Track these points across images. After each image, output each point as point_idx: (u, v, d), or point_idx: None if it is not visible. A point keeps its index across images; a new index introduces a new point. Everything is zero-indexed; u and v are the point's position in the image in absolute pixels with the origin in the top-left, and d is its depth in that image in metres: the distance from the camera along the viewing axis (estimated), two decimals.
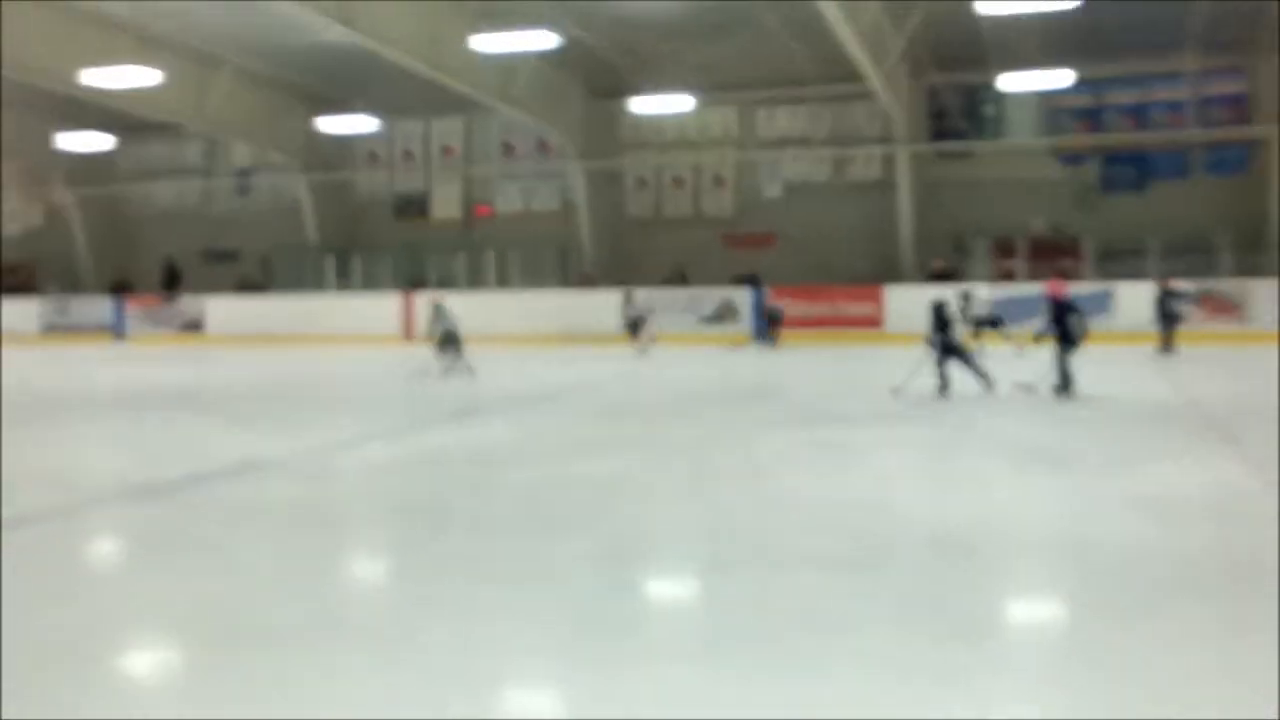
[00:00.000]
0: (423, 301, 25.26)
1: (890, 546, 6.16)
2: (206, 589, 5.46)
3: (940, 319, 13.11)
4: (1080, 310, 12.94)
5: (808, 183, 27.49)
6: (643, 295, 22.96)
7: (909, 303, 23.00)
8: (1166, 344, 18.71)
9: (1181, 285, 20.05)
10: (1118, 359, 16.75)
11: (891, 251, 25.67)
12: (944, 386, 12.95)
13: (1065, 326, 12.66)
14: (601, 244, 28.35)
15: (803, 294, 24.20)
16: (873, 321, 23.71)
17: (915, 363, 13.40)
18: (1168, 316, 18.77)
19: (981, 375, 13.10)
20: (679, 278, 26.30)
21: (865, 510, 7.11)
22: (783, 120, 27.60)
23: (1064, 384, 12.71)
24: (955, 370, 13.11)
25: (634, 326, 22.20)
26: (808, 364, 15.11)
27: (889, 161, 26.18)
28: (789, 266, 25.95)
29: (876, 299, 23.87)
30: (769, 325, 22.69)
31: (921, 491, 7.85)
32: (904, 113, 24.94)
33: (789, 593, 5.29)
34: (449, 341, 17.06)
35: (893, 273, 25.20)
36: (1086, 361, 13.07)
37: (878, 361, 17.98)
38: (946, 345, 13.08)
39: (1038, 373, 13.07)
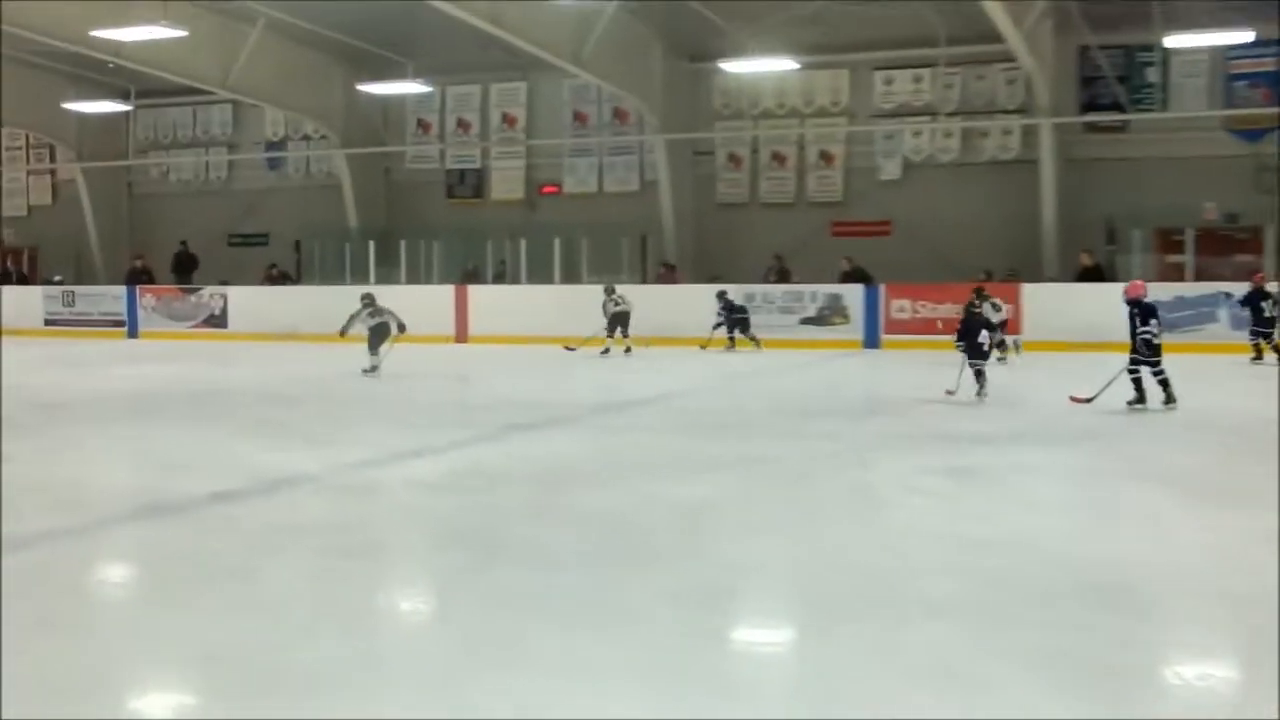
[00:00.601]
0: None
1: (1033, 594, 6.03)
2: (230, 624, 5.50)
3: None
4: (1159, 316, 13.62)
5: (932, 161, 27.22)
6: (619, 291, 23.46)
7: (1051, 305, 22.74)
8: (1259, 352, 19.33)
9: (1272, 285, 20.08)
10: (1207, 370, 16.65)
11: (1031, 244, 25.32)
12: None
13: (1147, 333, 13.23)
14: (686, 230, 28.32)
15: (924, 293, 23.95)
16: (1010, 326, 23.36)
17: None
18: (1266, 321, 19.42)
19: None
20: (780, 272, 26.17)
21: (1002, 550, 6.97)
22: (903, 87, 27.37)
23: (1139, 398, 13.24)
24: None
25: (616, 323, 22.79)
26: (931, 375, 14.95)
27: (1029, 136, 25.82)
28: (907, 260, 25.71)
29: (1012, 300, 23.53)
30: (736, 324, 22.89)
31: (1070, 528, 7.70)
32: (1048, 78, 24.59)
33: (909, 647, 5.20)
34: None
35: (1032, 269, 24.86)
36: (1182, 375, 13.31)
37: (1014, 373, 17.75)
38: None
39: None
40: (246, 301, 28.97)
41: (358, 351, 18.05)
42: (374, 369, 17.56)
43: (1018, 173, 25.94)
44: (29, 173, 36.06)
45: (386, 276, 28.33)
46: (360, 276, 27.91)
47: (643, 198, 28.93)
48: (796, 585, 6.37)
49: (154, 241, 32.99)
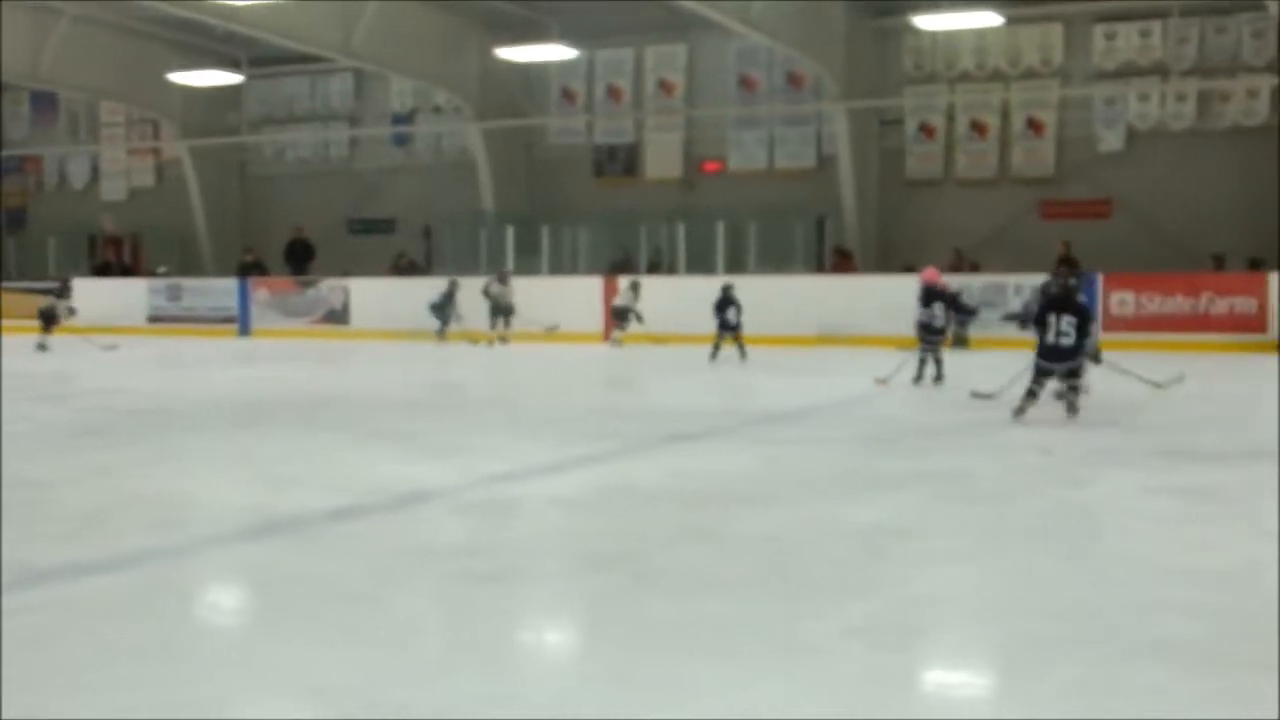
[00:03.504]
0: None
1: (1270, 634, 5.91)
2: (348, 656, 5.62)
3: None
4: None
5: (1161, 129, 26.71)
6: (626, 282, 24.72)
7: None
8: None
9: None
10: None
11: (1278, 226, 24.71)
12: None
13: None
14: (869, 213, 28.18)
15: (1149, 283, 23.51)
16: (1253, 324, 22.84)
17: None
18: None
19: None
20: (967, 265, 25.84)
21: (1236, 584, 6.85)
22: (1128, 42, 26.89)
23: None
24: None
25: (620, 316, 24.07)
26: (1157, 379, 14.71)
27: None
28: (1130, 246, 25.27)
29: (1259, 292, 22.98)
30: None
31: None
32: None
33: (1126, 692, 5.14)
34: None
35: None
36: None
37: (1261, 378, 17.32)
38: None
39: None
40: (370, 295, 29.55)
41: (493, 353, 18.29)
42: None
43: (1265, 142, 25.31)
44: (130, 151, 37.17)
45: (527, 266, 28.69)
46: (497, 266, 28.28)
47: (820, 175, 28.86)
48: (996, 620, 6.32)
49: (267, 227, 33.85)
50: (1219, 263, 24.17)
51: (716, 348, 21.57)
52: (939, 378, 16.85)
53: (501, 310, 25.69)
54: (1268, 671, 5.37)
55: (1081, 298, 14.04)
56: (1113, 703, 5.04)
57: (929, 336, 17.11)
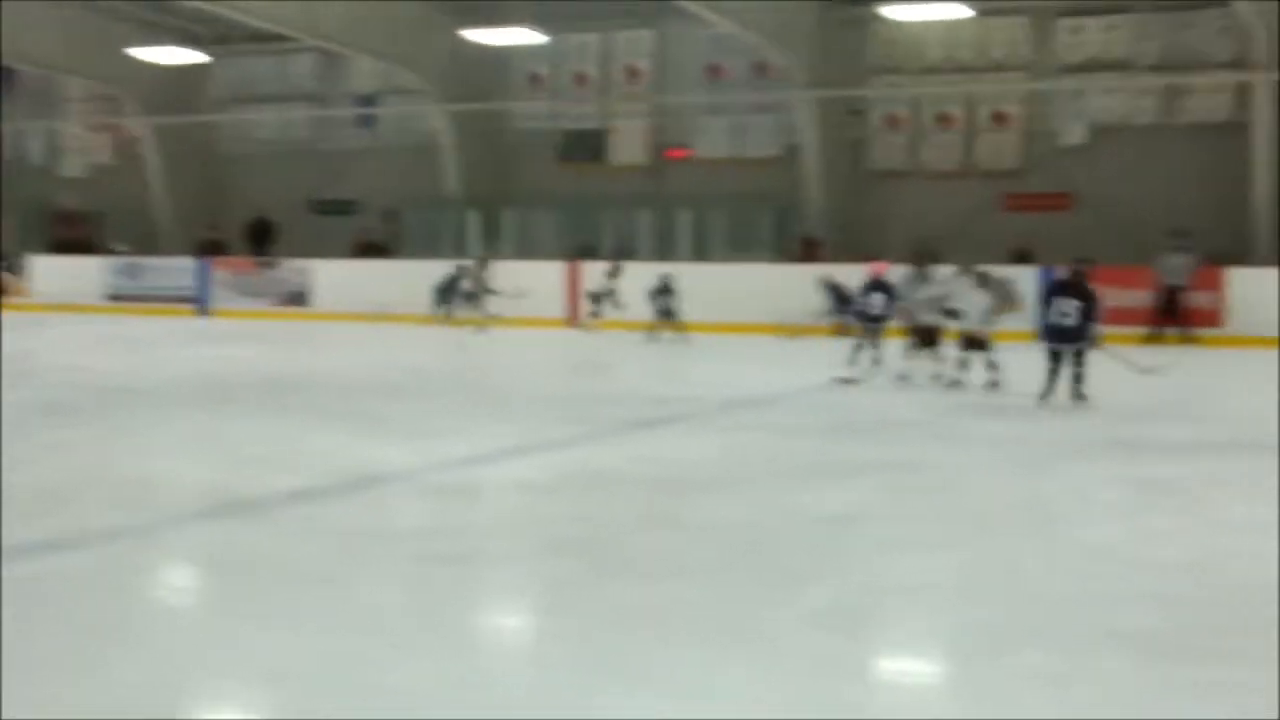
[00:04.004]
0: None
1: (1227, 625, 6.00)
2: (309, 638, 5.65)
3: None
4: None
5: (1125, 124, 26.81)
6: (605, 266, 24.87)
7: (1265, 293, 22.31)
8: None
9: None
10: None
11: (1241, 220, 24.86)
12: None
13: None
14: (836, 202, 28.22)
15: (1113, 278, 23.60)
16: (1211, 318, 23.00)
17: None
18: None
19: None
20: (927, 256, 25.86)
21: (1194, 574, 6.94)
22: (1093, 37, 27.02)
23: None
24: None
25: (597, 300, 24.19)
26: (1119, 372, 14.78)
27: (1243, 94, 25.36)
28: (1093, 239, 25.38)
29: (1218, 286, 23.14)
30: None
31: (1272, 550, 7.60)
32: (1268, 26, 24.13)
33: (1085, 681, 5.21)
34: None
35: (1242, 250, 24.41)
36: None
37: (1220, 372, 17.49)
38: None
39: None
40: (332, 276, 29.45)
41: (457, 335, 18.28)
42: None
43: (1228, 138, 25.48)
44: (90, 128, 36.86)
45: (492, 250, 28.60)
46: (463, 250, 28.23)
47: (787, 164, 28.88)
48: (955, 608, 6.39)
49: (228, 207, 33.64)
50: (1219, 258, 24.27)
51: (652, 331, 22.37)
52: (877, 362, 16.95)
53: (481, 295, 25.49)
54: (1222, 661, 5.46)
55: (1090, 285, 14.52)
56: (1069, 691, 5.11)
57: (868, 324, 17.22)
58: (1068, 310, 13.77)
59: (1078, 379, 13.80)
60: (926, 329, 16.08)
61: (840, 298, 23.15)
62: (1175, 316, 22.62)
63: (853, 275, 19.43)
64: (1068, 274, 14.64)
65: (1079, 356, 13.81)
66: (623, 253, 27.77)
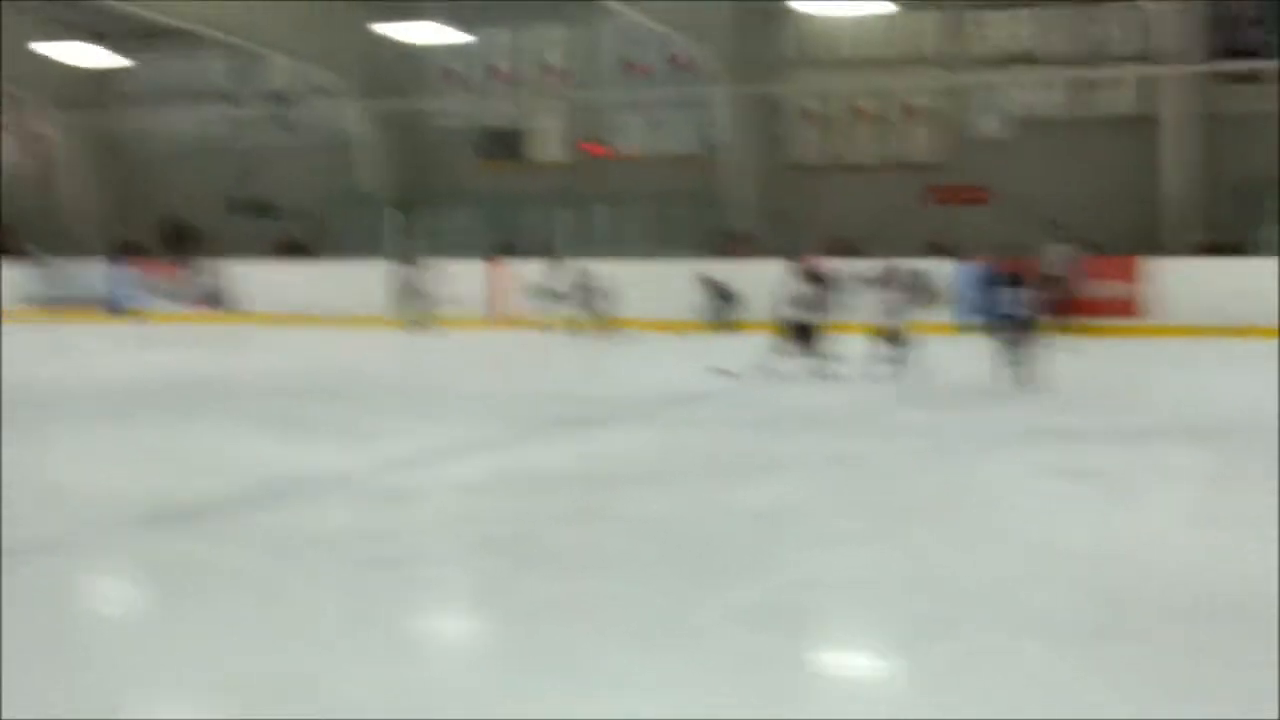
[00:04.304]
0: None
1: (1146, 610, 6.13)
2: (249, 646, 5.67)
3: None
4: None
5: (1037, 116, 27.14)
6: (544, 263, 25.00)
7: (1178, 283, 22.66)
8: None
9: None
10: None
11: (1152, 212, 25.22)
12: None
13: None
14: (753, 198, 28.32)
15: (1030, 270, 23.85)
16: (1126, 308, 23.33)
17: None
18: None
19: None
20: (847, 249, 26.09)
21: (1116, 562, 7.08)
22: (1004, 30, 27.30)
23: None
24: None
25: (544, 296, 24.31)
26: (1038, 363, 15.01)
27: (1150, 87, 25.72)
28: (1010, 231, 25.63)
29: (1131, 277, 23.47)
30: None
31: (1194, 539, 7.75)
32: (1173, 20, 24.48)
33: (1005, 667, 5.32)
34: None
35: (1154, 241, 24.76)
36: None
37: (1135, 360, 17.76)
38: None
39: None
40: (251, 277, 29.20)
41: (380, 338, 18.21)
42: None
43: (1137, 130, 25.83)
44: None
45: (409, 249, 28.46)
46: (382, 250, 28.08)
47: (705, 159, 28.96)
48: (881, 598, 6.48)
49: (144, 208, 33.26)
50: (1097, 249, 24.60)
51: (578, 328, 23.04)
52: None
53: (413, 295, 25.25)
54: (1151, 647, 5.59)
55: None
56: (993, 676, 5.22)
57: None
58: (1016, 299, 14.61)
59: (1022, 363, 14.46)
60: (800, 326, 16.35)
61: (721, 295, 23.54)
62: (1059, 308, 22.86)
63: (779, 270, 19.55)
64: (1006, 264, 15.56)
65: (1025, 343, 14.51)
66: (537, 251, 27.78)
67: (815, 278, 17.94)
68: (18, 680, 5.11)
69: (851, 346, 16.13)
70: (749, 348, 16.80)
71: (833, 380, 15.70)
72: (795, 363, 16.14)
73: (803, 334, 16.35)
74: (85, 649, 5.72)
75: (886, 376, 15.51)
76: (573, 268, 24.24)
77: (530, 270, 25.44)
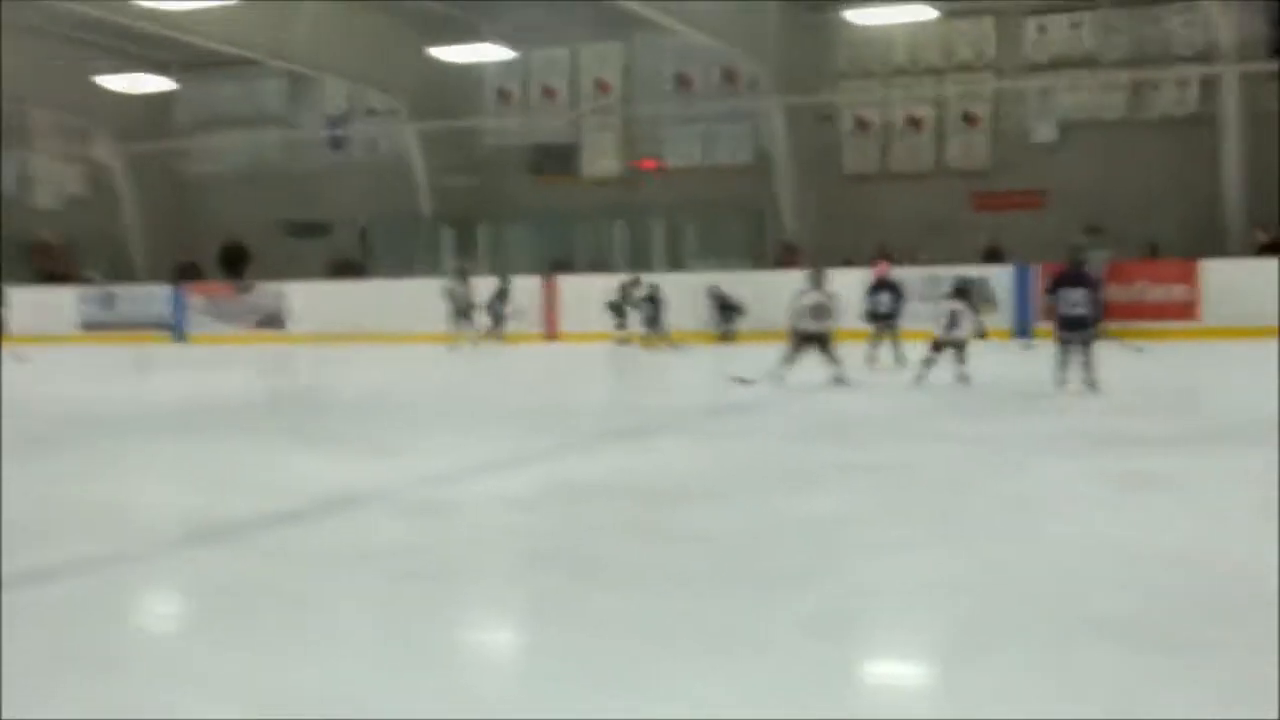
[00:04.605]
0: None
1: (1216, 615, 5.95)
2: (295, 662, 5.55)
3: None
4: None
5: (1094, 120, 26.94)
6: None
7: (1236, 284, 22.38)
8: None
9: None
10: None
11: (1212, 213, 24.93)
12: None
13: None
14: (808, 208, 28.22)
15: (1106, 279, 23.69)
16: (1185, 310, 23.06)
17: None
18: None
19: None
20: (898, 258, 25.97)
21: (1182, 566, 6.89)
22: (1060, 35, 27.09)
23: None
24: None
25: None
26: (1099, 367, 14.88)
27: (1210, 88, 25.44)
28: (1065, 236, 25.42)
29: (1190, 279, 23.20)
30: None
31: (1262, 542, 7.55)
32: (1234, 19, 24.20)
33: (1074, 673, 5.15)
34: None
35: (1214, 242, 24.47)
36: None
37: (1194, 363, 17.51)
38: None
39: None
40: (307, 298, 29.37)
41: (432, 352, 18.25)
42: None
43: (1197, 131, 25.56)
44: (61, 158, 36.70)
45: (463, 267, 28.53)
46: (437, 268, 28.17)
47: (758, 171, 28.89)
48: (944, 606, 6.32)
49: (201, 233, 33.55)
50: (1152, 251, 24.38)
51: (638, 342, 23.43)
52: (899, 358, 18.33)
53: (463, 310, 25.40)
54: (1222, 653, 5.40)
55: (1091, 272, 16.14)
56: (1061, 683, 5.05)
57: (876, 323, 18.92)
58: (1077, 300, 14.44)
59: (1088, 366, 14.34)
60: (807, 335, 16.33)
61: (724, 306, 23.60)
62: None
63: (835, 278, 19.49)
64: (1069, 264, 15.42)
65: (1088, 345, 14.41)
66: (594, 266, 27.80)
67: (887, 286, 18.48)
68: (61, 688, 5.04)
69: (912, 353, 16.12)
70: (759, 358, 16.74)
71: (850, 387, 15.83)
72: (811, 372, 16.11)
73: (819, 343, 16.34)
74: (132, 660, 5.62)
75: (948, 384, 15.39)
76: (640, 282, 24.26)
77: (592, 285, 25.46)
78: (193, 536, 8.20)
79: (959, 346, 15.72)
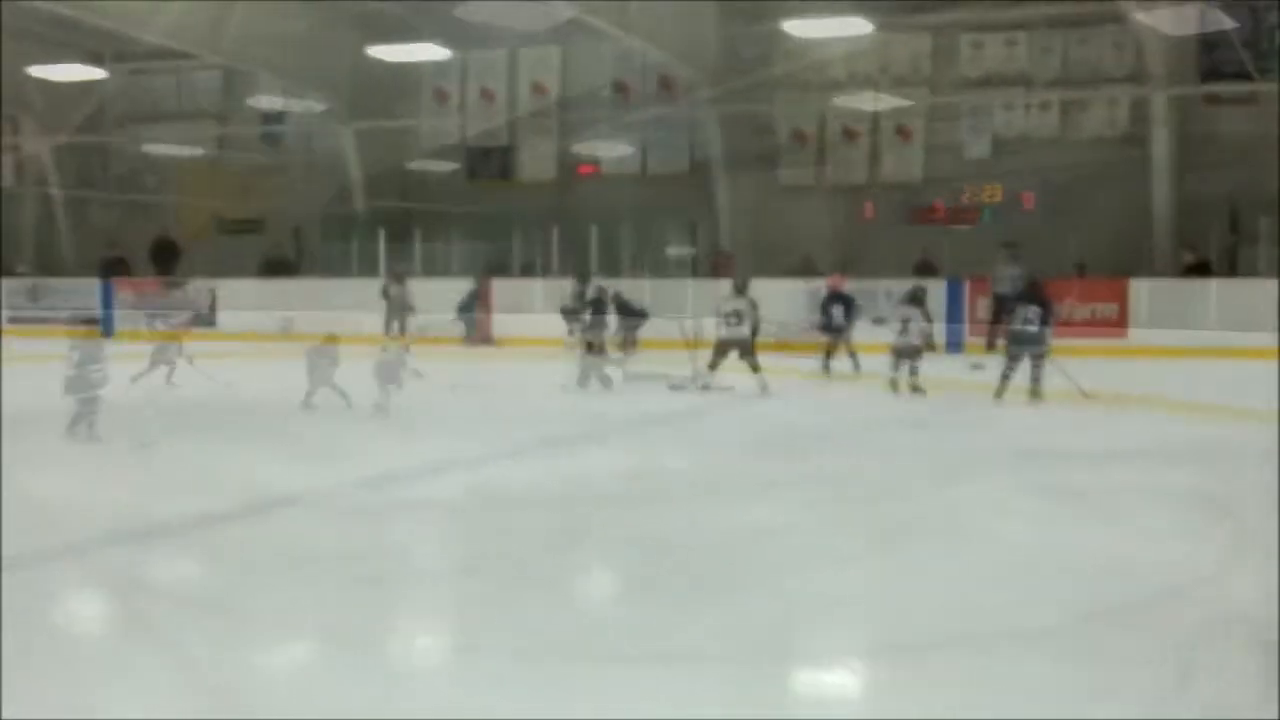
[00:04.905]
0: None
1: (1146, 626, 6.05)
2: (222, 663, 5.54)
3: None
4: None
5: (1026, 137, 27.12)
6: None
7: (1164, 303, 22.64)
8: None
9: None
10: None
11: (1141, 232, 25.20)
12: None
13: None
14: (742, 217, 28.29)
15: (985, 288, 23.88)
16: (1115, 326, 23.29)
17: None
18: None
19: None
20: (807, 268, 26.06)
21: (1109, 577, 7.00)
22: (994, 53, 27.29)
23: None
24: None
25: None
26: (1022, 383, 15.02)
27: (1140, 109, 25.71)
28: (996, 252, 25.64)
29: (1119, 297, 23.44)
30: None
31: (1185, 556, 7.68)
32: (1163, 42, 24.47)
33: (999, 682, 5.24)
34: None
35: (1142, 261, 24.74)
36: None
37: (1121, 381, 17.68)
38: None
39: None
40: (238, 296, 29.11)
41: (362, 353, 18.10)
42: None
43: (1127, 151, 25.82)
44: None
45: (396, 266, 28.39)
46: (369, 268, 28.01)
47: (694, 179, 28.93)
48: (873, 618, 6.38)
49: (131, 227, 33.18)
50: (1081, 270, 24.60)
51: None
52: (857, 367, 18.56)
53: (399, 312, 25.18)
54: (1149, 663, 5.49)
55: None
56: (986, 692, 5.12)
57: (830, 334, 19.10)
58: (1030, 317, 15.01)
59: (1036, 380, 14.93)
60: (727, 341, 16.66)
61: (624, 311, 23.45)
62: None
63: (765, 289, 19.55)
64: (1024, 283, 16.45)
65: (1038, 360, 14.95)
66: (526, 270, 27.73)
67: (840, 298, 18.72)
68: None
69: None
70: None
71: (771, 396, 16.04)
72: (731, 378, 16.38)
73: (740, 350, 16.54)
74: (58, 658, 5.62)
75: (897, 392, 15.81)
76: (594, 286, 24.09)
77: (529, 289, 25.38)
78: (125, 535, 8.14)
79: (913, 355, 16.02)
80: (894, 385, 15.99)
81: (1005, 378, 15.10)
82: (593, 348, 17.37)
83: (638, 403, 16.21)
